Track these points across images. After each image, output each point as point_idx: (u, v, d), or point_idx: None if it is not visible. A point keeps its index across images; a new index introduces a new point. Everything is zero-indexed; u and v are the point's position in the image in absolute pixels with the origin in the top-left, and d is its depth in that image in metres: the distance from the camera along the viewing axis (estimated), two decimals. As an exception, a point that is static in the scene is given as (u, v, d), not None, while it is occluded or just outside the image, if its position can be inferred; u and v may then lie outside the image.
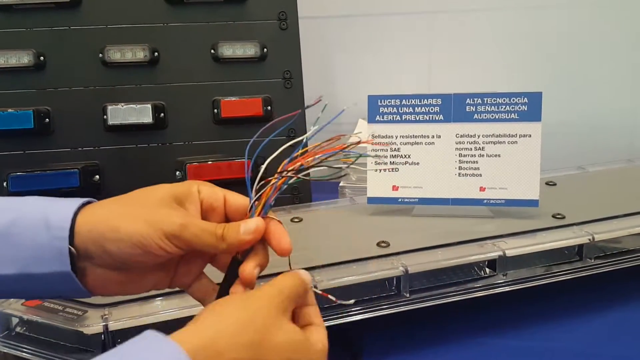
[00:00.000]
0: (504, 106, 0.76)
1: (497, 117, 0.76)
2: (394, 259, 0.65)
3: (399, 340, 0.66)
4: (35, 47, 0.87)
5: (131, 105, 0.89)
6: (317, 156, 0.45)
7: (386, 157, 0.79)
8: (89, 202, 0.44)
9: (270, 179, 0.44)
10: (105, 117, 0.89)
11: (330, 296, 0.47)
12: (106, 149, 0.90)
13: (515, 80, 1.21)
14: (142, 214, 0.42)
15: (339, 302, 0.47)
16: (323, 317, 0.44)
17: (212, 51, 0.91)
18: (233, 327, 0.37)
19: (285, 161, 0.44)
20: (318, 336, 0.42)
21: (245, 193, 0.45)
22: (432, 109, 0.78)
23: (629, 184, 0.91)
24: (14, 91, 0.88)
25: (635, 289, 0.74)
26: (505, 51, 1.20)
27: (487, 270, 0.67)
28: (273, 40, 0.93)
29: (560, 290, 0.70)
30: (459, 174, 0.78)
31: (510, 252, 0.66)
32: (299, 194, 0.94)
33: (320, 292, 0.46)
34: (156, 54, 0.90)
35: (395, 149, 0.79)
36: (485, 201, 0.77)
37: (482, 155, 0.77)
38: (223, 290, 0.45)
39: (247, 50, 0.92)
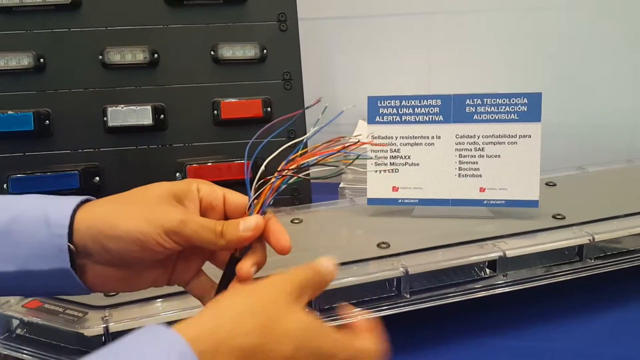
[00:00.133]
0: (503, 107, 0.76)
1: (496, 117, 0.76)
2: (394, 260, 0.65)
3: (399, 341, 0.66)
4: (35, 49, 0.87)
5: (131, 107, 0.89)
6: (316, 156, 0.45)
7: (386, 158, 0.79)
8: (88, 200, 0.44)
9: (269, 177, 0.44)
10: (105, 118, 0.89)
11: None
12: (106, 150, 0.90)
13: (515, 80, 1.21)
14: (141, 212, 0.42)
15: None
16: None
17: (212, 52, 0.92)
18: (235, 315, 0.37)
19: (285, 161, 0.45)
20: (364, 342, 0.41)
21: (245, 194, 0.45)
22: (431, 110, 0.78)
23: (629, 184, 0.91)
24: (14, 93, 0.88)
25: (635, 289, 0.74)
26: (505, 51, 1.20)
27: (488, 270, 0.67)
28: (273, 41, 0.93)
29: (560, 291, 0.70)
30: (459, 174, 0.78)
31: (510, 253, 0.66)
32: (299, 195, 0.94)
33: None
34: (156, 55, 0.90)
35: (395, 150, 0.79)
36: (485, 202, 0.77)
37: (482, 156, 0.77)
38: (222, 287, 0.45)
39: (246, 51, 0.92)
